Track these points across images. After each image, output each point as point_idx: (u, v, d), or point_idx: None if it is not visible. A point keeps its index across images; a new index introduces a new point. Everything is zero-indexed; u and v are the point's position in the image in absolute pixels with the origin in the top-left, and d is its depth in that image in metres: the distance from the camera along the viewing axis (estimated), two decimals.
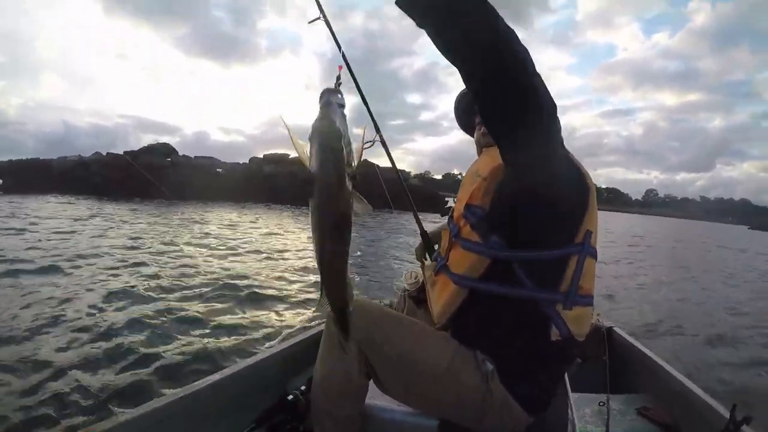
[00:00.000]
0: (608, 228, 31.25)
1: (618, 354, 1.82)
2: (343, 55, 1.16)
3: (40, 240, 8.86)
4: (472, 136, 1.38)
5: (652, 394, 1.51)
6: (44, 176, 27.68)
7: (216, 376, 1.29)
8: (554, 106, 0.85)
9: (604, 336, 1.85)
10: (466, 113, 1.41)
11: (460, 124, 1.48)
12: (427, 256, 1.59)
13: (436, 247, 1.53)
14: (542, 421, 1.09)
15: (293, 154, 0.72)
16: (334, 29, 1.38)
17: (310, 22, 1.26)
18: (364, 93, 1.53)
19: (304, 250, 9.57)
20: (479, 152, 1.34)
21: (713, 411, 1.21)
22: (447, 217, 1.31)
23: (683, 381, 1.40)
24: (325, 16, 1.33)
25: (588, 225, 1.03)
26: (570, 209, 1.02)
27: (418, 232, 1.66)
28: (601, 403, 1.36)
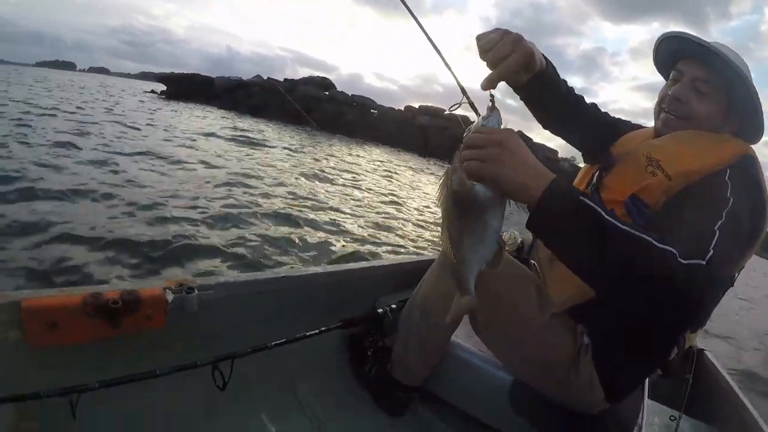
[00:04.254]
0: None
1: (702, 377, 1.73)
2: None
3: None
4: (666, 79, 1.11)
5: (725, 428, 1.44)
6: (206, 90, 29.65)
7: (316, 269, 1.39)
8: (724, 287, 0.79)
9: (694, 356, 1.76)
10: (668, 60, 1.08)
11: (656, 64, 1.15)
12: None
13: None
14: (614, 412, 1.09)
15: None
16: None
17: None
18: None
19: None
20: (659, 123, 1.06)
21: None
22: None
23: (760, 423, 1.35)
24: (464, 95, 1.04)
25: (745, 262, 0.93)
26: (742, 250, 0.87)
27: None
28: (672, 418, 1.33)
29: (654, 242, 0.66)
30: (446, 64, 1.06)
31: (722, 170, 0.85)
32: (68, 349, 0.84)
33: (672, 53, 1.05)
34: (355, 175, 10.03)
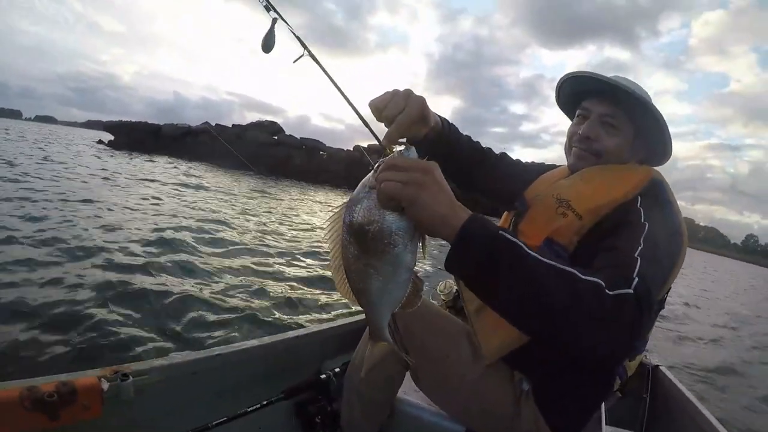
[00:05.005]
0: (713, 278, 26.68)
1: (659, 393, 1.76)
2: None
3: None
4: (571, 119, 1.13)
5: None
6: (153, 138, 29.49)
7: (254, 342, 1.33)
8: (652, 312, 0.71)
9: (649, 373, 1.80)
10: (571, 99, 1.11)
11: (560, 105, 1.18)
12: None
13: None
14: None
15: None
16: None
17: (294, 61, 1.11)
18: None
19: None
20: (570, 153, 1.06)
21: None
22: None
23: None
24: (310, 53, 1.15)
25: (672, 283, 0.90)
26: (665, 272, 0.85)
27: None
28: None
29: (579, 275, 0.64)
30: (350, 104, 1.04)
31: (633, 199, 0.87)
32: None
33: (575, 93, 1.06)
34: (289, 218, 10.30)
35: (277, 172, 25.18)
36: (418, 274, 0.69)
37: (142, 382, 1.00)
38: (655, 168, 0.99)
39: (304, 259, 6.12)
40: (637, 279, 0.67)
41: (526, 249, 0.64)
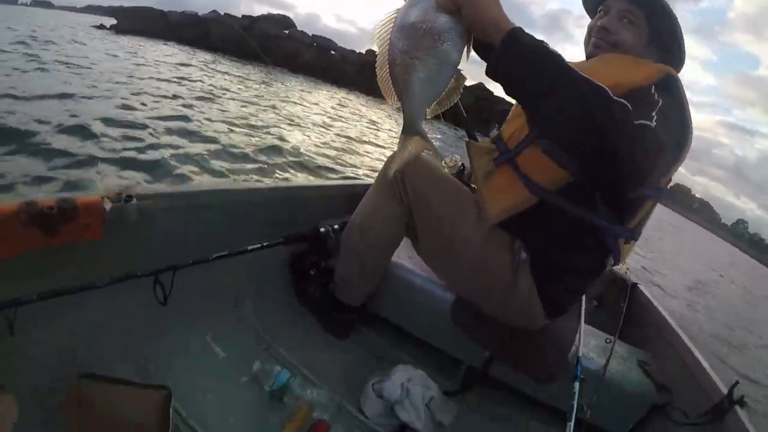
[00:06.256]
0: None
1: (635, 306, 1.78)
2: None
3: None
4: (591, 14, 1.15)
5: (657, 353, 1.46)
6: (159, 25, 28.32)
7: (258, 184, 1.43)
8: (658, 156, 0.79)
9: (628, 289, 1.85)
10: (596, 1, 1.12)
11: (585, 6, 1.18)
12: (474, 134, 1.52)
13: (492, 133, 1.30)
14: (552, 332, 1.13)
15: None
16: None
17: None
18: None
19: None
20: (588, 44, 1.10)
21: (712, 384, 1.18)
22: None
23: (690, 347, 1.38)
24: None
25: (674, 171, 0.98)
26: (671, 159, 0.93)
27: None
28: (607, 341, 1.35)
29: (611, 93, 0.69)
30: None
31: (648, 86, 0.89)
32: (2, 263, 0.78)
33: None
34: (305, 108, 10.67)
35: (287, 65, 24.66)
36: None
37: (146, 206, 0.98)
38: (671, 68, 0.99)
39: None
40: (655, 123, 0.74)
41: (567, 62, 0.71)
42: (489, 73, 0.74)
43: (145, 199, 0.98)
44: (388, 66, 0.72)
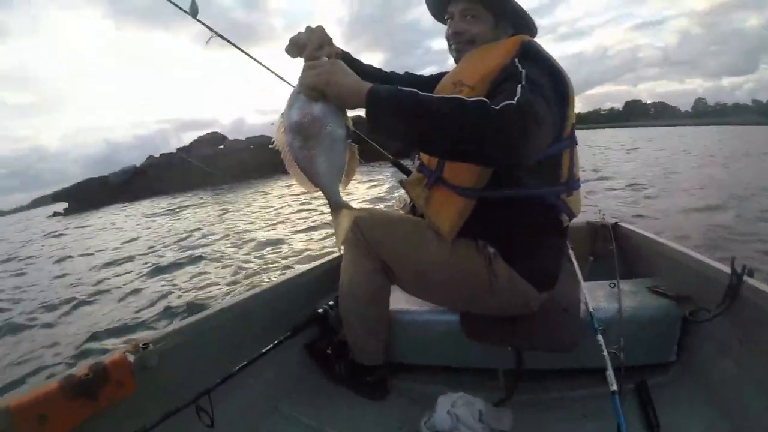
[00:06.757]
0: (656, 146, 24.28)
1: (625, 245, 1.85)
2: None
3: None
4: (443, 23, 1.24)
5: (662, 274, 1.51)
6: (103, 191, 28.82)
7: (255, 290, 1.43)
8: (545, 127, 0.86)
9: (611, 231, 1.89)
10: (439, 8, 1.23)
11: (433, 15, 1.28)
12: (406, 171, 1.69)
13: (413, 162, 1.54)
14: (556, 302, 1.20)
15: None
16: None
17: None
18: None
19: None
20: (455, 55, 1.20)
21: (721, 273, 1.20)
22: None
23: (689, 253, 1.41)
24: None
25: (571, 117, 1.04)
26: (560, 112, 1.00)
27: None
28: (611, 285, 1.37)
29: (465, 98, 0.78)
30: (264, 66, 1.37)
31: (511, 62, 0.98)
32: None
33: (440, 0, 1.20)
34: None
35: (236, 176, 25.16)
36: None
37: (163, 347, 1.05)
38: (525, 36, 1.08)
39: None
40: (518, 96, 0.80)
41: (419, 93, 0.79)
42: (372, 130, 0.84)
43: (159, 342, 1.05)
44: (295, 164, 0.83)
